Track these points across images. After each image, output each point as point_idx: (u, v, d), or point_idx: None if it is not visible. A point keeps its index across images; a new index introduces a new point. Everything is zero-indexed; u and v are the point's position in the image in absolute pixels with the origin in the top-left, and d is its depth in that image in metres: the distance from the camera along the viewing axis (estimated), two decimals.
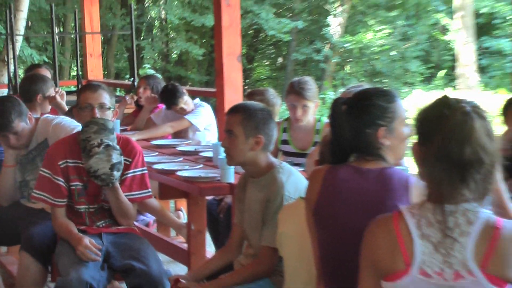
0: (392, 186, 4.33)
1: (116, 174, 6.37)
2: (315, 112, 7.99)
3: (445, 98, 3.72)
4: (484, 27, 30.84)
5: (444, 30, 30.62)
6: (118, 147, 6.43)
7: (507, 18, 28.19)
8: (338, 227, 4.42)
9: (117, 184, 6.46)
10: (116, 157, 6.36)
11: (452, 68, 30.12)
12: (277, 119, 7.63)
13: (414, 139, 3.75)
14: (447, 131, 3.58)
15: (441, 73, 30.71)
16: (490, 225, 3.50)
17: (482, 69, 30.10)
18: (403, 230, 3.64)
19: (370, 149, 4.44)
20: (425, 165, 3.69)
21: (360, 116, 4.47)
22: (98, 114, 6.56)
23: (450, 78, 29.68)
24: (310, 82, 7.96)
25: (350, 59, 30.49)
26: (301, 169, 6.49)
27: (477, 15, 29.67)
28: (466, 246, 3.49)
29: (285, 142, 8.05)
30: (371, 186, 4.35)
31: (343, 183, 4.46)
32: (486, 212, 3.58)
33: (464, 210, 3.55)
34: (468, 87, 26.48)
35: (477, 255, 3.48)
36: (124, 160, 6.52)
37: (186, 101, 10.00)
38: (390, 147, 4.45)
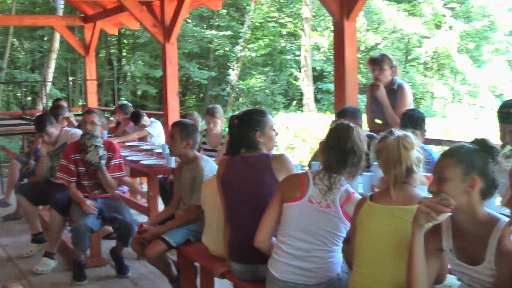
0: (261, 163, 4.53)
1: (103, 162, 6.57)
2: (222, 126, 7.97)
3: (346, 123, 4.15)
4: (319, 76, 31.02)
5: (296, 78, 30.73)
6: (102, 146, 6.60)
7: (330, 72, 28.41)
8: (234, 190, 4.60)
9: (104, 168, 6.61)
10: (102, 152, 6.55)
11: (300, 100, 30.20)
12: (199, 129, 7.59)
13: (323, 138, 4.23)
14: (338, 133, 4.05)
15: (294, 103, 30.81)
16: (349, 190, 3.88)
17: (317, 100, 30.24)
18: (305, 179, 4.08)
19: (251, 145, 4.61)
20: (325, 152, 4.08)
21: (245, 125, 4.63)
22: (89, 127, 7.04)
23: (299, 106, 29.78)
24: (218, 108, 8.08)
25: (242, 95, 30.39)
26: (214, 159, 6.53)
27: (314, 69, 29.82)
28: (336, 193, 3.92)
29: (204, 143, 8.02)
30: (251, 166, 4.54)
31: (236, 166, 4.62)
32: (348, 185, 4.03)
33: (340, 178, 3.93)
34: (310, 111, 26.62)
35: (340, 200, 3.84)
36: (108, 154, 6.71)
37: (146, 120, 10.15)
38: (264, 143, 4.64)
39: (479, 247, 3.11)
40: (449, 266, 3.38)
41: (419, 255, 3.20)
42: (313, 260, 3.98)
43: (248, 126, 4.61)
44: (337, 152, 4.00)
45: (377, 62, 6.93)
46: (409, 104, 6.89)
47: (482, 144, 3.16)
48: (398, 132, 3.59)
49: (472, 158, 3.10)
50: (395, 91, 6.87)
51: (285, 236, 4.06)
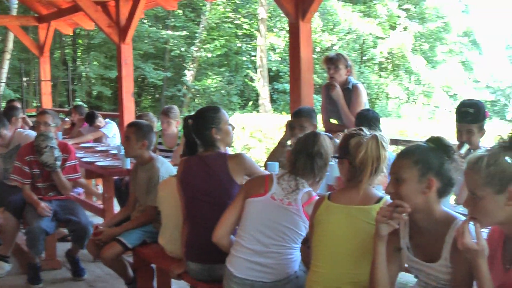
0: (218, 162, 4.55)
1: (58, 163, 6.47)
2: (177, 126, 7.99)
3: (314, 131, 4.36)
4: (274, 77, 31.13)
5: (252, 79, 30.81)
6: (57, 147, 6.50)
7: (286, 72, 28.49)
8: (193, 190, 4.59)
9: (59, 170, 6.51)
10: (57, 153, 6.46)
11: (256, 100, 30.33)
12: (155, 129, 7.58)
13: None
14: (306, 138, 4.11)
15: (250, 103, 30.89)
16: (311, 193, 3.93)
17: (273, 101, 30.42)
18: (269, 180, 4.09)
19: (208, 143, 4.63)
20: (292, 155, 4.11)
21: (200, 124, 4.65)
22: (42, 128, 6.93)
23: (255, 106, 29.88)
24: (174, 109, 8.13)
25: (198, 95, 30.39)
26: (170, 160, 6.53)
27: (270, 70, 29.94)
28: (298, 193, 3.90)
29: (160, 143, 7.99)
30: (208, 165, 4.55)
31: (194, 165, 4.62)
32: (311, 188, 4.04)
33: (303, 181, 3.96)
34: (266, 111, 26.74)
35: (302, 199, 3.88)
36: (63, 155, 6.61)
37: (100, 121, 10.14)
38: (221, 139, 4.64)
39: (435, 244, 3.15)
40: (406, 264, 3.42)
41: (382, 266, 3.24)
42: (272, 256, 3.99)
43: (203, 125, 4.63)
44: (304, 156, 4.04)
45: (332, 61, 7.00)
46: (364, 104, 6.98)
47: (437, 143, 3.19)
48: (369, 131, 3.61)
49: (428, 159, 3.13)
50: (349, 91, 6.97)
51: (246, 230, 4.07)
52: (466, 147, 4.86)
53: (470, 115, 5.03)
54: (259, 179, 4.18)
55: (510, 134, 2.84)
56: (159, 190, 5.25)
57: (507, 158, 2.82)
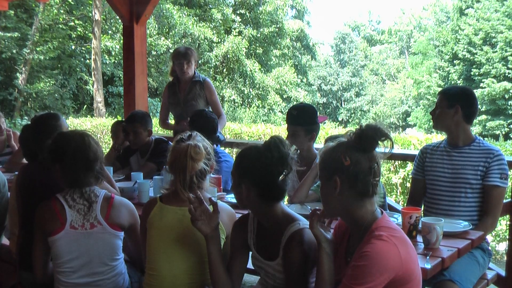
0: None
1: None
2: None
3: (71, 134, 3.93)
4: (109, 80, 30.87)
5: (86, 82, 30.36)
6: None
7: (121, 75, 28.21)
8: (33, 196, 4.28)
9: None
10: None
11: (91, 104, 29.88)
12: None
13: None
14: (77, 147, 3.82)
15: (84, 107, 30.42)
16: (107, 196, 3.84)
17: (108, 104, 30.08)
18: (58, 205, 3.79)
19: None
20: (70, 172, 3.82)
21: (40, 133, 4.49)
22: None
23: (90, 110, 29.46)
24: None
25: (31, 99, 29.54)
26: (1, 166, 6.37)
27: (104, 73, 29.61)
28: (96, 208, 3.74)
29: None
30: (51, 172, 4.08)
31: (36, 172, 4.47)
32: (104, 190, 3.90)
33: (93, 189, 3.81)
34: (100, 115, 26.44)
35: (102, 212, 3.74)
36: None
37: None
38: None
39: (275, 243, 3.27)
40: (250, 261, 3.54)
41: (218, 264, 3.36)
42: (99, 284, 3.85)
43: (43, 134, 4.44)
44: (83, 168, 3.84)
45: (186, 56, 6.92)
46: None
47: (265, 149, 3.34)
48: (194, 139, 3.63)
49: (241, 167, 3.28)
50: (201, 83, 7.04)
51: (62, 268, 3.83)
52: (292, 148, 5.05)
53: (294, 117, 5.18)
54: (48, 210, 3.84)
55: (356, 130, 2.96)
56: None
57: (332, 146, 2.99)
